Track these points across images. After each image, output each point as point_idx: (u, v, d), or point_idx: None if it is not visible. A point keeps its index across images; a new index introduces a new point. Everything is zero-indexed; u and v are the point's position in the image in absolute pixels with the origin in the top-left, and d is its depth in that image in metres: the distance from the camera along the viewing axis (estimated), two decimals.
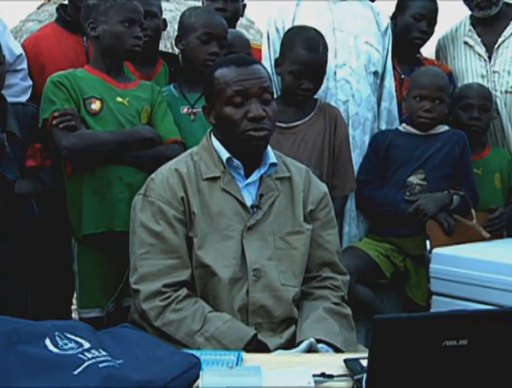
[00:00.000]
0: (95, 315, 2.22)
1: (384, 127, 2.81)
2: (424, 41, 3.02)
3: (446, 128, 2.76)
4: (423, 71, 2.82)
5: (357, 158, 2.70)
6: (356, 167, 2.69)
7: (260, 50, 2.86)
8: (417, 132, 2.73)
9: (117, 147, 2.18)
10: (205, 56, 2.40)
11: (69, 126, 2.15)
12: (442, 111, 2.71)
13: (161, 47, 2.96)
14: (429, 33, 3.01)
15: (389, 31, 2.84)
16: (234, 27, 3.00)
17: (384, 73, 2.82)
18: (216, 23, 2.44)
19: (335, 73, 2.66)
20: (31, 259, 2.15)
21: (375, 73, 2.76)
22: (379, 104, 2.82)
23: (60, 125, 2.14)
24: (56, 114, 2.16)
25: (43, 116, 2.19)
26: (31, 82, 2.53)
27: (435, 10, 3.01)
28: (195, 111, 2.42)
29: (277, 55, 2.58)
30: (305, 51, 2.43)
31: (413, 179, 2.67)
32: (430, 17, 2.97)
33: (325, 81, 2.64)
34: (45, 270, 2.21)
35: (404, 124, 2.78)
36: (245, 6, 3.06)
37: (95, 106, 2.22)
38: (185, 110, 2.44)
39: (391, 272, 2.63)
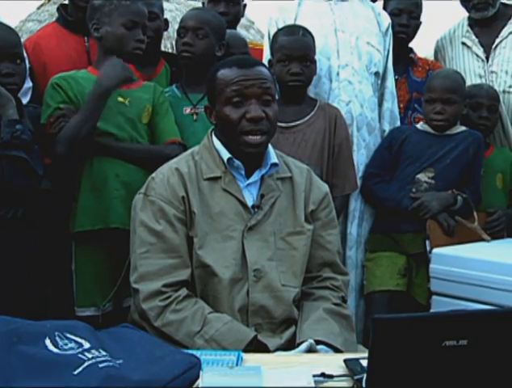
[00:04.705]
0: (90, 314, 2.22)
1: (387, 127, 2.82)
2: (407, 35, 3.01)
3: (463, 128, 2.75)
4: (435, 74, 2.85)
5: (362, 159, 2.71)
6: (361, 168, 2.71)
7: (260, 50, 2.86)
8: (433, 131, 2.74)
9: (92, 120, 2.13)
10: (179, 49, 2.46)
11: (61, 128, 2.15)
12: (456, 112, 2.70)
13: (161, 47, 2.95)
14: (411, 26, 3.01)
15: (390, 31, 2.84)
16: (235, 29, 3.00)
17: (386, 73, 2.82)
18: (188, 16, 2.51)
19: (338, 73, 2.66)
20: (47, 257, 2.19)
21: (376, 73, 2.76)
22: (380, 104, 2.82)
23: (53, 130, 2.15)
24: (51, 119, 2.17)
25: (42, 121, 2.21)
26: (30, 84, 2.50)
27: (415, 4, 3.02)
28: (197, 111, 2.42)
29: None
30: (285, 36, 2.51)
31: (422, 177, 2.68)
32: (409, 10, 2.99)
33: (327, 82, 2.65)
34: (54, 269, 2.24)
35: (421, 123, 2.80)
36: (245, 6, 3.06)
37: None
38: (187, 110, 2.45)
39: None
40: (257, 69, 1.81)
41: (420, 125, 2.79)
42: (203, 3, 3.07)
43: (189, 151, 1.92)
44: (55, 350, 1.21)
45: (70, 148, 2.15)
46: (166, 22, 2.72)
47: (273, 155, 1.85)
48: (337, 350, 1.68)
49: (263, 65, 1.92)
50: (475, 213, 2.67)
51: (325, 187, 1.97)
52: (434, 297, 2.48)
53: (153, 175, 1.84)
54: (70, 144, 2.14)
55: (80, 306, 2.24)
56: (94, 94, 2.16)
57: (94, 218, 2.20)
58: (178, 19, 2.73)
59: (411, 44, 3.11)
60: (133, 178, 2.18)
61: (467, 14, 3.19)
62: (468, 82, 2.94)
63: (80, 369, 1.17)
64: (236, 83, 1.77)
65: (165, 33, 2.78)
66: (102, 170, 2.19)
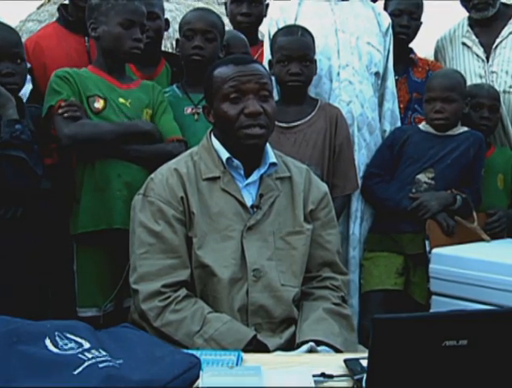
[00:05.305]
0: (92, 315, 2.22)
1: (387, 127, 2.82)
2: (408, 35, 3.02)
3: (464, 129, 2.76)
4: (434, 74, 2.87)
5: (363, 159, 2.71)
6: (362, 168, 2.71)
7: None
8: (435, 132, 2.74)
9: (118, 138, 2.19)
10: (189, 52, 2.44)
11: (74, 116, 2.15)
12: (456, 110, 2.71)
13: (161, 47, 2.95)
14: (412, 27, 3.02)
15: (390, 31, 2.84)
16: (257, 30, 2.99)
17: (386, 73, 2.82)
18: (197, 18, 2.48)
19: (338, 73, 2.66)
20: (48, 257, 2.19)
21: (377, 73, 2.77)
22: (380, 105, 2.82)
23: (65, 115, 2.14)
24: (62, 103, 2.16)
25: (48, 103, 2.19)
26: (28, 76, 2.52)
27: (415, 4, 3.03)
28: (198, 111, 2.42)
29: None
30: (284, 37, 2.51)
31: (422, 177, 2.68)
32: (409, 10, 3.00)
33: (328, 82, 2.65)
34: (55, 269, 2.25)
35: (424, 123, 2.80)
36: (267, 5, 3.05)
37: (99, 104, 2.22)
38: (189, 110, 2.45)
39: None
40: (253, 66, 1.81)
41: (422, 125, 2.79)
42: (224, 3, 3.06)
43: (188, 151, 1.92)
44: (55, 350, 1.21)
45: (87, 140, 2.16)
46: (167, 22, 2.72)
47: (271, 155, 1.85)
48: (337, 350, 1.68)
49: (259, 62, 1.93)
50: (474, 213, 2.66)
51: (324, 187, 1.97)
52: (433, 297, 2.48)
53: (152, 175, 1.84)
54: (90, 138, 2.16)
55: (82, 307, 2.25)
56: (138, 125, 2.23)
57: (97, 219, 2.20)
58: (178, 19, 2.73)
59: (411, 45, 3.11)
60: (135, 178, 2.18)
61: (467, 14, 3.19)
62: (469, 82, 2.94)
63: (80, 368, 1.17)
64: (233, 79, 1.77)
65: (165, 33, 2.78)
66: (105, 171, 2.19)
